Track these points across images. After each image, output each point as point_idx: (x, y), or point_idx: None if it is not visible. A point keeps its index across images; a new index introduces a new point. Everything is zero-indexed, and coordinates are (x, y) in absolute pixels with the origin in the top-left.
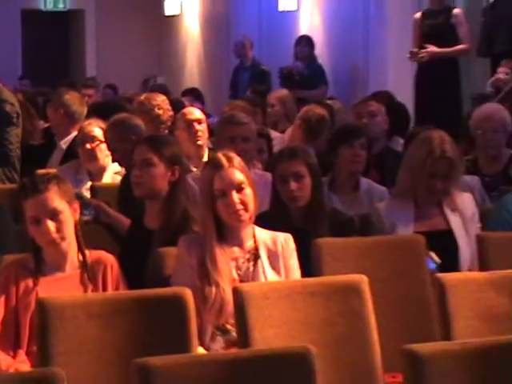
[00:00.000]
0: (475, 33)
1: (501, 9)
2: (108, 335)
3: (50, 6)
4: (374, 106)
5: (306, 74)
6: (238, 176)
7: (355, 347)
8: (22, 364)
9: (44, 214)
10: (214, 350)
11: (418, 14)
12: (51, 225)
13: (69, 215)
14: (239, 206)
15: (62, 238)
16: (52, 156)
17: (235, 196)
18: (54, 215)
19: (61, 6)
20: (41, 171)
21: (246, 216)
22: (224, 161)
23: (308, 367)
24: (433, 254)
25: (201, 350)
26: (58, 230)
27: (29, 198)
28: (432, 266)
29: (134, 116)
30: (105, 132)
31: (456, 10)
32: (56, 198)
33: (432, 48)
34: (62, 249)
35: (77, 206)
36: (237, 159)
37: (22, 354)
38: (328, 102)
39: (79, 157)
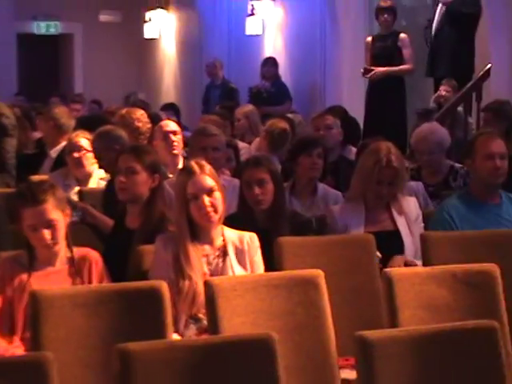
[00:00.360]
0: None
1: (442, 39)
2: (92, 323)
3: (42, 31)
4: (330, 120)
5: (272, 91)
6: (209, 181)
7: (313, 334)
8: (17, 348)
9: (41, 224)
10: (187, 336)
11: (369, 38)
12: (46, 233)
13: (62, 222)
14: (209, 209)
15: (55, 243)
16: (43, 164)
17: (206, 199)
18: (50, 225)
19: (52, 31)
20: (35, 177)
21: (215, 217)
22: (196, 168)
23: (271, 352)
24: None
25: (175, 337)
26: (53, 236)
27: (27, 207)
28: (376, 260)
29: (118, 128)
30: (91, 142)
31: (402, 35)
32: (52, 210)
33: (378, 69)
34: (53, 250)
35: (69, 211)
36: (208, 167)
37: (16, 339)
38: (290, 115)
39: (67, 164)
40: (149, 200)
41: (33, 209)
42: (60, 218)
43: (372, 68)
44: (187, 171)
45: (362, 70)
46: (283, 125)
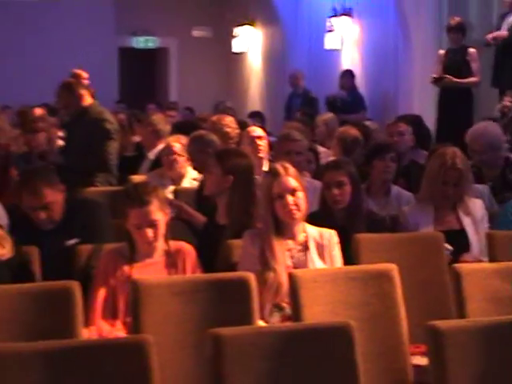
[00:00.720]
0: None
1: (506, 52)
2: (187, 310)
3: (141, 45)
4: (403, 127)
5: (348, 100)
6: (292, 182)
7: (386, 323)
8: (119, 331)
9: (145, 223)
10: (271, 323)
11: (442, 51)
12: (149, 231)
13: (163, 221)
14: (293, 207)
15: (156, 240)
16: (142, 165)
17: (290, 198)
18: (153, 224)
19: (150, 45)
20: (134, 177)
21: (298, 215)
22: (281, 170)
23: (349, 339)
24: (446, 245)
25: (261, 323)
26: (154, 234)
27: (133, 207)
28: (447, 252)
29: (209, 133)
30: (186, 145)
31: (471, 50)
32: (156, 210)
33: (450, 77)
34: (153, 245)
35: (168, 210)
36: (291, 169)
37: (119, 323)
38: (367, 123)
39: (163, 165)
40: (230, 199)
41: (139, 209)
42: (162, 217)
43: (444, 76)
44: (273, 173)
45: (431, 79)
46: (354, 132)
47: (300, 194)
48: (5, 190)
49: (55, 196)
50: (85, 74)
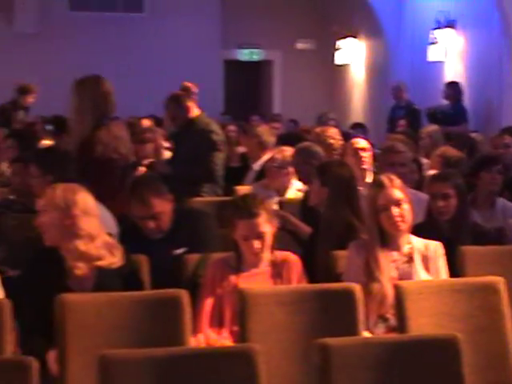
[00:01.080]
0: None
1: None
2: (293, 319)
3: (246, 57)
4: (508, 139)
5: (450, 113)
6: (398, 194)
7: (492, 335)
8: (225, 339)
9: (253, 235)
10: (376, 334)
11: None
12: (256, 243)
13: (270, 233)
14: (398, 219)
15: (262, 251)
16: (247, 175)
17: (395, 210)
18: (260, 236)
19: (255, 57)
20: (240, 188)
21: (403, 226)
22: (386, 182)
23: (455, 351)
24: None
25: (366, 334)
26: (261, 246)
27: (242, 219)
28: None
29: (314, 144)
30: (291, 157)
31: None
32: (263, 223)
33: None
34: (260, 256)
35: (275, 222)
36: (397, 181)
37: (225, 332)
38: (473, 134)
39: (268, 176)
40: (328, 210)
41: (247, 221)
42: (269, 229)
43: None
44: (378, 184)
45: None
46: (456, 153)
47: (405, 206)
48: (121, 199)
49: (164, 206)
50: (195, 88)
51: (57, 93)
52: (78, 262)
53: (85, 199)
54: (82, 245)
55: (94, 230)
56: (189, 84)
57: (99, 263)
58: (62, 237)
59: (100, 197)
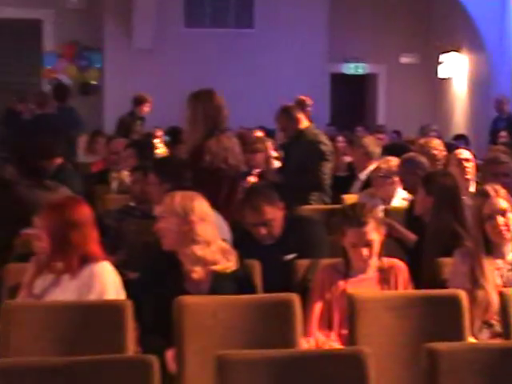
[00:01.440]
0: None
1: None
2: (400, 323)
3: (351, 71)
4: None
5: None
6: (503, 204)
7: None
8: (334, 342)
9: (361, 243)
10: (480, 339)
11: None
12: (365, 250)
13: (378, 241)
14: (503, 227)
15: (370, 258)
16: (353, 185)
17: (500, 219)
18: (368, 244)
19: (360, 71)
20: (346, 197)
21: (508, 235)
22: (492, 191)
23: None
24: None
25: (471, 339)
26: (369, 253)
27: (351, 227)
28: None
29: (419, 155)
30: (397, 167)
31: None
32: (372, 231)
33: None
34: (368, 263)
35: (383, 230)
36: (502, 191)
37: (333, 335)
38: None
39: (374, 186)
40: (433, 218)
41: (356, 229)
42: (377, 237)
43: None
44: (483, 194)
45: None
46: None
47: (510, 215)
48: (231, 207)
49: (275, 213)
50: (309, 100)
51: (172, 105)
52: (195, 266)
53: (201, 206)
54: (198, 250)
55: (210, 235)
56: (303, 97)
57: (215, 267)
58: (180, 242)
59: (212, 204)
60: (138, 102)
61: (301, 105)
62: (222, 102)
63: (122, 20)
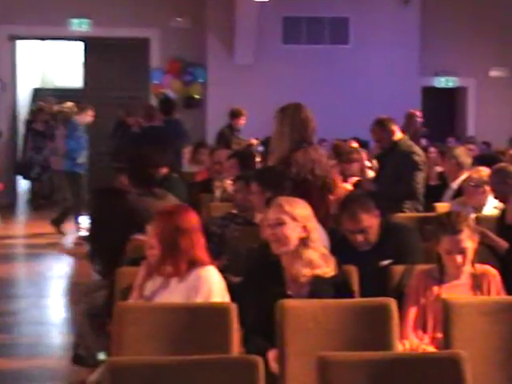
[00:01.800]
0: None
1: None
2: (494, 328)
3: (442, 84)
4: None
5: None
6: None
7: None
8: (427, 346)
9: (456, 250)
10: None
11: None
12: (459, 257)
13: (472, 248)
14: None
15: (464, 264)
16: (445, 193)
17: None
18: (463, 251)
19: (450, 84)
20: (438, 205)
21: None
22: None
23: None
24: None
25: None
26: (463, 260)
27: (446, 234)
28: None
29: (510, 165)
30: (488, 176)
31: None
32: (466, 239)
33: None
34: (461, 269)
35: (477, 238)
36: None
37: (426, 338)
38: None
39: (465, 194)
40: None
41: (451, 237)
42: (471, 245)
43: None
44: None
45: None
46: None
47: None
48: (323, 214)
49: (371, 221)
50: (419, 113)
51: (271, 117)
52: (305, 270)
53: (312, 214)
54: (312, 254)
55: (318, 240)
56: (413, 111)
57: (317, 271)
58: (297, 247)
59: None
60: (234, 115)
61: (411, 117)
62: (310, 116)
63: (224, 37)
